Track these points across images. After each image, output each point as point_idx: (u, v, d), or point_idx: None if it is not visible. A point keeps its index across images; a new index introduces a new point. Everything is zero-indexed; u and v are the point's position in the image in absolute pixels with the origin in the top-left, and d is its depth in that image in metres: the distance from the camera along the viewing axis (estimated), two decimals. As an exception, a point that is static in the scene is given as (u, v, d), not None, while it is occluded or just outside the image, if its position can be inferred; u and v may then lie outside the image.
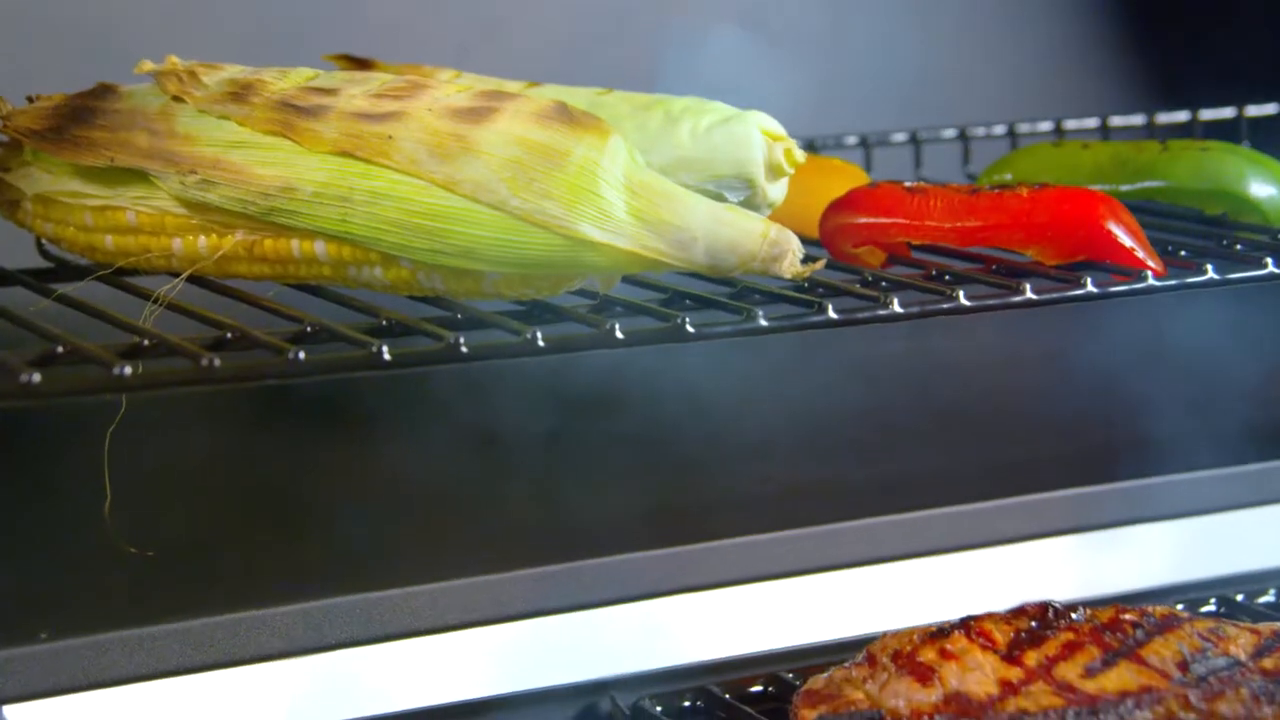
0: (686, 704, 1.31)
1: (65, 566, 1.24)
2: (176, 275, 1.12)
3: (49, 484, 1.18)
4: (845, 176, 1.35)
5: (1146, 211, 1.29)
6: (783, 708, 1.27)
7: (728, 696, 1.31)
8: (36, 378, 0.94)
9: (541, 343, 1.07)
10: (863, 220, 1.27)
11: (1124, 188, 1.38)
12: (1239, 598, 1.47)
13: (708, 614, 1.36)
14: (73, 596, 1.25)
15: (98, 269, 1.17)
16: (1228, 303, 1.56)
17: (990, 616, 1.19)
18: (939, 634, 1.17)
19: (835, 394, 1.48)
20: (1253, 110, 1.60)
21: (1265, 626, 1.20)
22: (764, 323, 1.12)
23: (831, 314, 1.14)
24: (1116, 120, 1.59)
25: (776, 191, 1.21)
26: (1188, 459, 1.55)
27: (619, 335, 1.09)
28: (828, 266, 1.22)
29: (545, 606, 1.31)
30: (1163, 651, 1.16)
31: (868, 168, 1.51)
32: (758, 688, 1.33)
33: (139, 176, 1.14)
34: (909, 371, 1.52)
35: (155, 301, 1.11)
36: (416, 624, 1.28)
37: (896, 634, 1.19)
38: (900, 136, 1.55)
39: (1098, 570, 1.43)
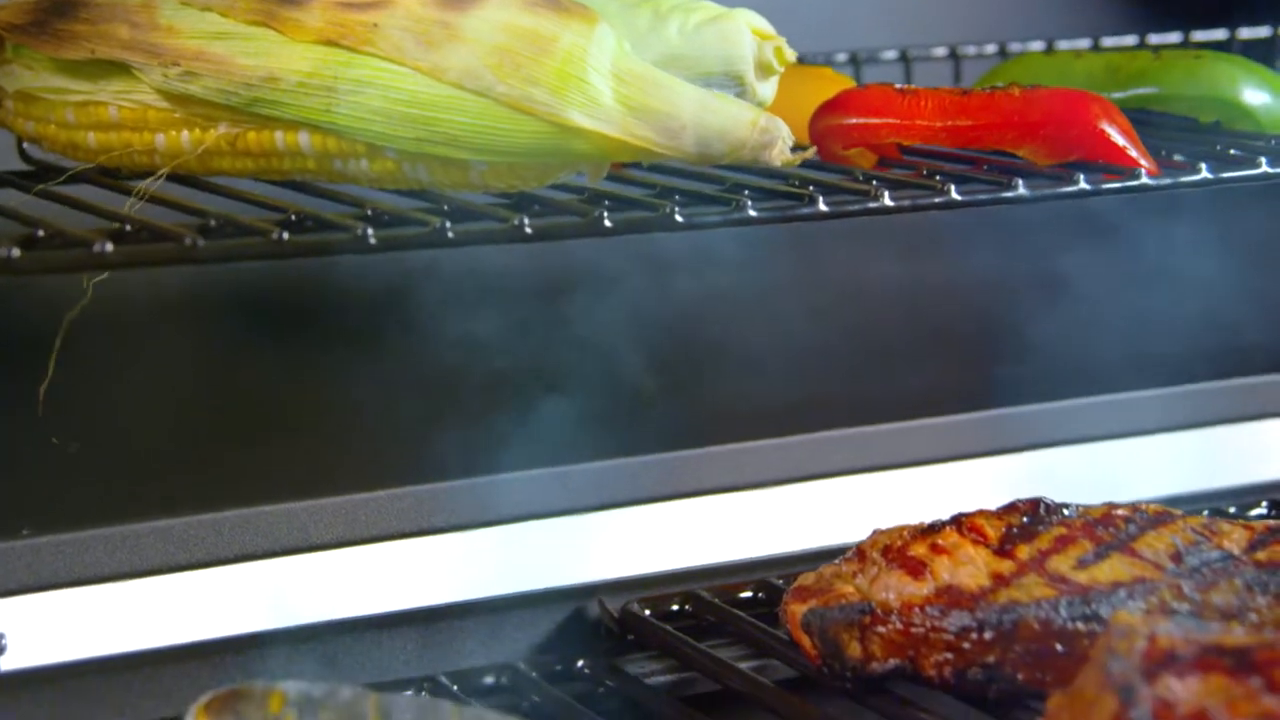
0: (675, 608, 1.30)
1: (44, 463, 1.23)
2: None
3: (29, 381, 1.17)
4: (834, 85, 1.33)
5: (1140, 121, 1.28)
6: (772, 613, 1.26)
7: (717, 601, 1.30)
8: (16, 253, 0.93)
9: (529, 229, 1.06)
10: (853, 121, 1.25)
11: (1116, 95, 1.37)
12: (1230, 510, 1.46)
13: (698, 520, 1.35)
14: (53, 494, 1.24)
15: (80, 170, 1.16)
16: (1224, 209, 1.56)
17: (982, 513, 1.18)
18: (930, 530, 1.16)
19: (827, 303, 1.46)
20: (1245, 33, 1.58)
21: (1258, 523, 1.19)
22: (753, 213, 1.11)
23: (821, 206, 1.13)
24: (1109, 41, 1.58)
25: (766, 90, 1.20)
26: (1182, 372, 1.55)
27: (607, 223, 1.08)
28: (818, 168, 1.21)
29: (533, 511, 1.30)
30: (1156, 545, 1.15)
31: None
32: (747, 593, 1.32)
33: (121, 70, 1.13)
34: (900, 280, 1.51)
35: (137, 195, 1.10)
36: (402, 526, 1.26)
37: (887, 531, 1.18)
38: (890, 54, 1.54)
39: (1087, 481, 1.42)
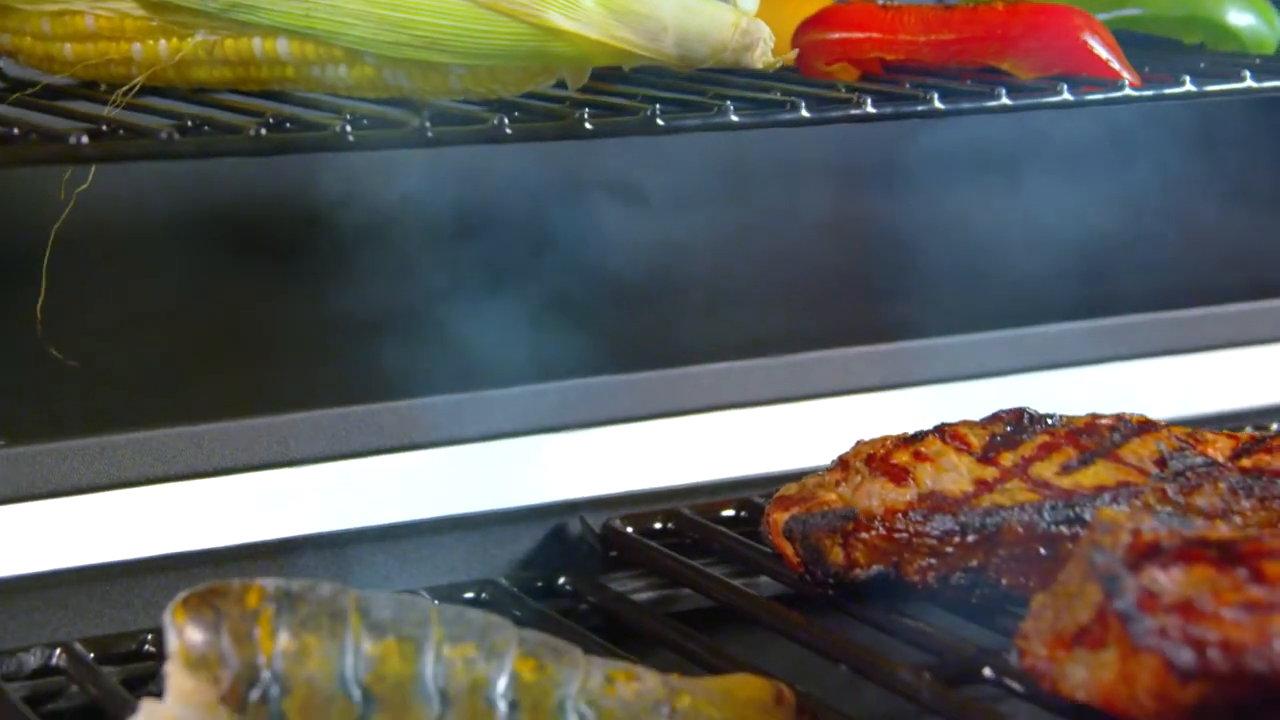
0: (658, 525, 1.29)
1: (22, 375, 1.22)
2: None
3: (8, 296, 1.16)
4: (817, 1, 1.33)
5: (1124, 42, 1.27)
6: (755, 531, 1.25)
7: (699, 518, 1.29)
8: (-8, 146, 0.93)
9: (509, 130, 1.05)
10: (836, 36, 1.25)
11: (1101, 17, 1.36)
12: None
13: (680, 440, 1.34)
14: (31, 405, 1.23)
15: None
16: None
17: (965, 423, 1.17)
18: (913, 439, 1.15)
19: (811, 227, 1.46)
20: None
21: (1243, 433, 1.19)
22: (734, 118, 1.11)
23: (804, 112, 1.12)
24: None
25: (748, 1, 1.19)
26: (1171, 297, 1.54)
27: (587, 125, 1.07)
28: (801, 83, 1.21)
29: (515, 428, 1.29)
30: (1140, 451, 1.14)
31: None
32: (730, 511, 1.31)
33: (97, -24, 1.12)
34: (882, 208, 1.50)
35: (113, 104, 1.09)
36: (383, 441, 1.26)
37: (870, 441, 1.17)
38: (873, -32, 1.52)
39: (1073, 406, 1.41)
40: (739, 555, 1.23)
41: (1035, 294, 1.51)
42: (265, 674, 0.93)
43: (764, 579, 1.22)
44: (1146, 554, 0.94)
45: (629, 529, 1.28)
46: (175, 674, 0.94)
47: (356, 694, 0.93)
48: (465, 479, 1.28)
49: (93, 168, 1.07)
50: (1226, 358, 1.54)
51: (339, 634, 0.94)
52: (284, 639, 0.94)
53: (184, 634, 0.94)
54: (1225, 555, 0.94)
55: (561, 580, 1.25)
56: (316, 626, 0.94)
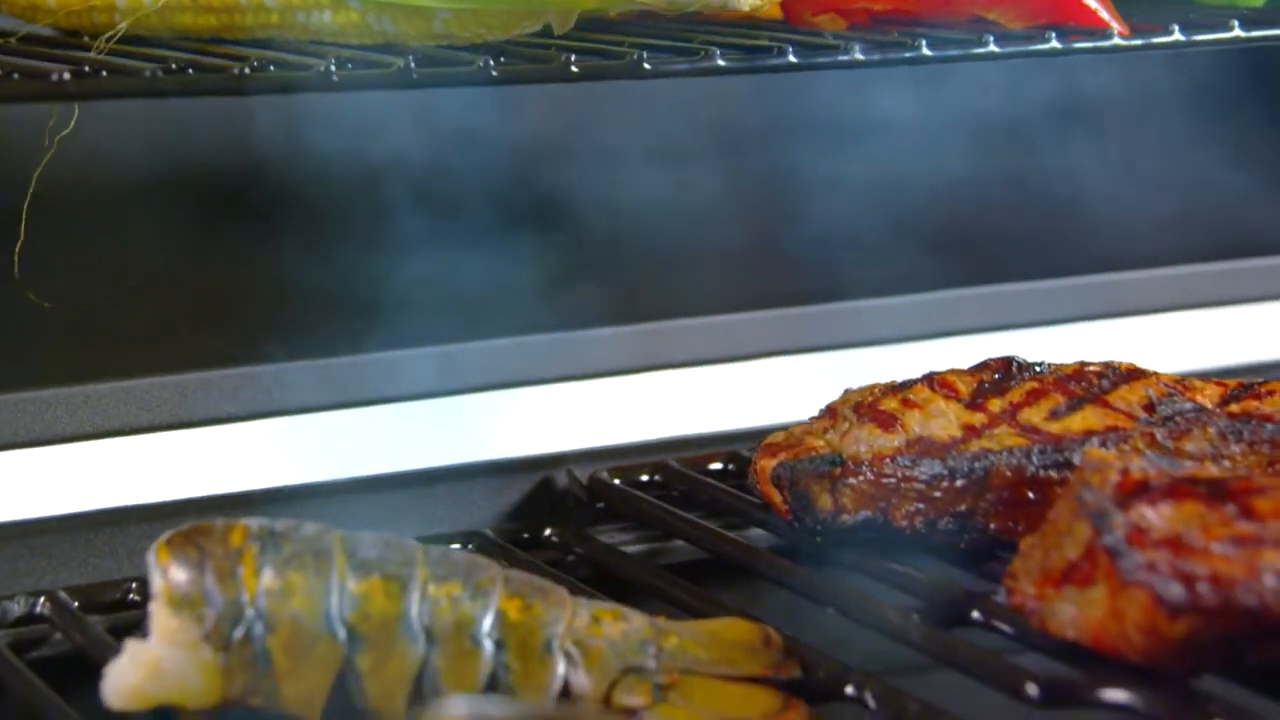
0: (645, 478, 1.28)
1: (6, 322, 1.21)
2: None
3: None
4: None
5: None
6: (742, 484, 1.25)
7: (687, 470, 1.28)
8: (-28, 84, 0.92)
9: (494, 72, 1.04)
10: (824, -14, 1.25)
11: (1088, -32, 1.36)
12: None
13: (667, 393, 1.34)
14: (16, 353, 1.22)
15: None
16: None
17: (953, 371, 1.17)
18: (901, 387, 1.15)
19: (802, 181, 1.45)
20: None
21: (1231, 381, 1.18)
22: (721, 62, 1.10)
23: (791, 58, 1.12)
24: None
25: (734, -53, 1.18)
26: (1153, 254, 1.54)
27: (574, 69, 1.06)
28: (789, 30, 1.20)
29: (501, 380, 1.29)
30: (1128, 397, 1.14)
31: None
32: (717, 464, 1.30)
33: (81, -80, 1.11)
34: (872, 166, 1.49)
35: (98, 49, 1.08)
36: (369, 393, 1.25)
37: (858, 389, 1.17)
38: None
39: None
40: (727, 506, 1.23)
41: (1021, 251, 1.51)
42: (249, 612, 0.93)
43: (752, 530, 1.21)
44: (1135, 492, 0.94)
45: (616, 481, 1.27)
46: (159, 613, 0.93)
47: (341, 632, 0.93)
48: (452, 431, 1.27)
49: (75, 111, 1.06)
50: (1211, 316, 1.54)
51: (324, 572, 0.94)
52: (268, 577, 0.93)
53: (168, 573, 0.93)
54: (1214, 492, 0.93)
55: (548, 532, 1.24)
56: (301, 565, 0.94)
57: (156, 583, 0.93)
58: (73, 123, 1.07)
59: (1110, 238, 1.55)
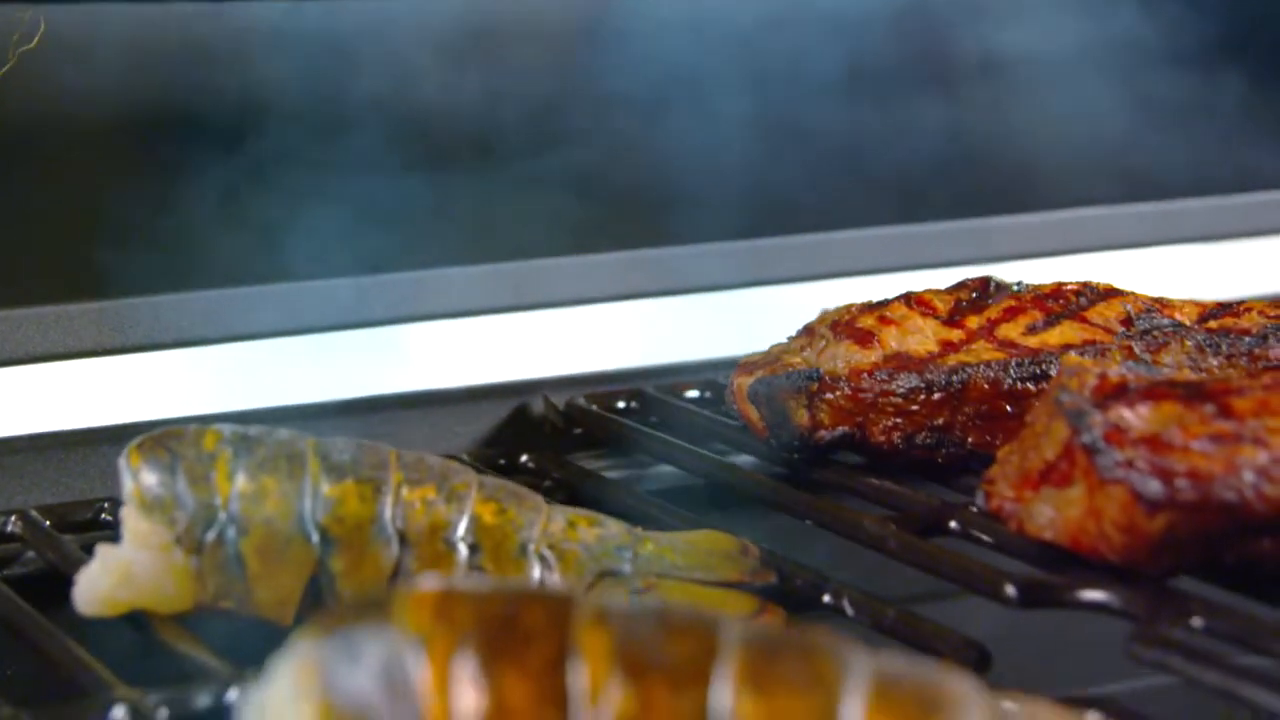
0: (621, 404, 1.28)
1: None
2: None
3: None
4: None
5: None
6: (720, 412, 1.24)
7: (663, 397, 1.28)
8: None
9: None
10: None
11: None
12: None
13: (644, 322, 1.33)
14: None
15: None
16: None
17: (930, 290, 1.16)
18: (878, 305, 1.14)
19: (787, 111, 1.44)
20: None
21: (1209, 301, 1.18)
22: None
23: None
24: None
25: None
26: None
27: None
28: None
29: (477, 307, 1.28)
30: (1106, 313, 1.13)
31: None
32: (694, 392, 1.30)
33: None
34: (861, 106, 1.49)
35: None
36: (346, 317, 1.24)
37: (835, 309, 1.17)
38: None
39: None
40: (703, 429, 1.22)
41: (994, 187, 1.51)
42: (222, 515, 0.92)
43: (730, 453, 1.20)
44: (1113, 393, 0.94)
45: (593, 406, 1.27)
46: (130, 517, 0.93)
47: (315, 535, 0.92)
48: (428, 357, 1.26)
49: (41, 26, 1.05)
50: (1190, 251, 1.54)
51: (297, 476, 0.93)
52: (241, 481, 0.92)
53: (139, 476, 0.92)
54: (1192, 394, 0.93)
55: (525, 458, 1.23)
56: (274, 469, 0.93)
57: (127, 486, 0.92)
58: (36, 39, 1.06)
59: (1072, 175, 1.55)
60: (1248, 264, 1.57)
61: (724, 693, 0.66)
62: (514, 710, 0.65)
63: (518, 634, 0.66)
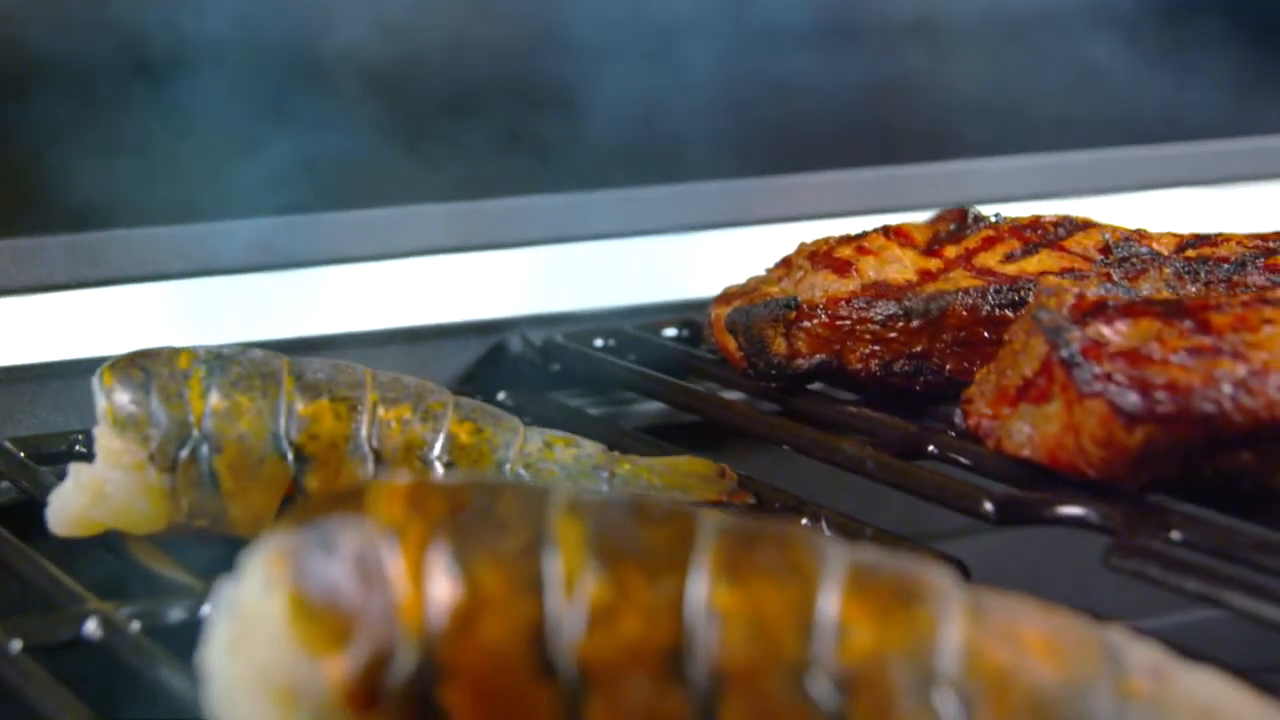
0: (599, 342, 1.27)
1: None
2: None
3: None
4: None
5: None
6: (697, 350, 1.24)
7: (641, 334, 1.27)
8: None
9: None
10: None
11: None
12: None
13: (621, 263, 1.32)
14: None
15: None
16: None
17: (908, 223, 1.16)
18: (857, 236, 1.14)
19: (771, 51, 1.43)
20: None
21: (1188, 232, 1.17)
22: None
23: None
24: None
25: None
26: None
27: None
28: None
29: (454, 244, 1.27)
30: (1084, 242, 1.13)
31: None
32: (671, 330, 1.29)
33: None
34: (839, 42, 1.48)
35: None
36: (322, 253, 1.24)
37: (813, 241, 1.16)
38: None
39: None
40: (680, 364, 1.21)
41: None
42: (195, 433, 0.91)
43: (708, 385, 1.19)
44: (1091, 311, 0.93)
45: (571, 343, 1.26)
46: (103, 435, 0.92)
47: (289, 453, 0.92)
48: (405, 294, 1.26)
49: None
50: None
51: (271, 394, 0.92)
52: (215, 398, 0.92)
53: (112, 395, 0.92)
54: (1171, 311, 0.93)
55: (502, 395, 1.22)
56: (249, 387, 0.92)
57: (100, 405, 0.92)
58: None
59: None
60: (1227, 209, 1.57)
61: (700, 582, 0.65)
62: (488, 599, 0.65)
63: (492, 523, 0.66)
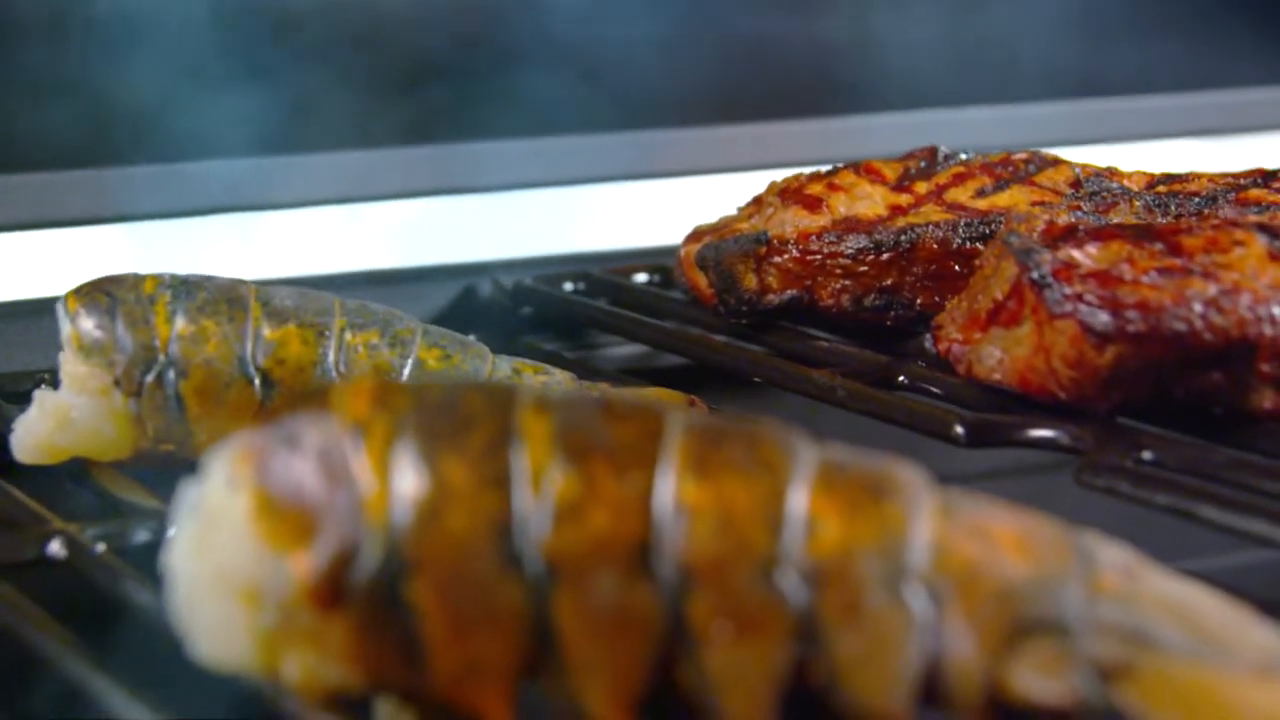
0: (569, 286, 1.26)
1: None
2: None
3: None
4: None
5: None
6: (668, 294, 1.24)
7: (611, 277, 1.26)
8: None
9: None
10: None
11: None
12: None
13: (590, 209, 1.32)
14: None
15: None
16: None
17: (878, 160, 1.15)
18: (827, 173, 1.14)
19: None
20: None
21: (1160, 173, 1.17)
22: None
23: None
24: None
25: None
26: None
27: None
28: None
29: (425, 188, 1.27)
30: (1055, 177, 1.12)
31: None
32: (642, 275, 1.29)
33: None
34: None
35: None
36: (292, 195, 1.23)
37: (783, 179, 1.16)
38: None
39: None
40: (650, 306, 1.21)
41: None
42: (161, 358, 0.91)
43: (678, 325, 1.19)
44: (1062, 235, 0.93)
45: (541, 286, 1.26)
46: (68, 361, 0.92)
47: (256, 378, 0.91)
48: (374, 237, 1.25)
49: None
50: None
51: (238, 320, 0.92)
52: (181, 323, 0.91)
53: (76, 320, 0.91)
54: (1141, 234, 0.93)
55: (472, 337, 1.22)
56: (215, 312, 0.92)
57: (65, 330, 0.91)
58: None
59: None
60: (1198, 161, 1.57)
61: (668, 477, 0.65)
62: (455, 493, 0.64)
63: (458, 419, 0.65)
